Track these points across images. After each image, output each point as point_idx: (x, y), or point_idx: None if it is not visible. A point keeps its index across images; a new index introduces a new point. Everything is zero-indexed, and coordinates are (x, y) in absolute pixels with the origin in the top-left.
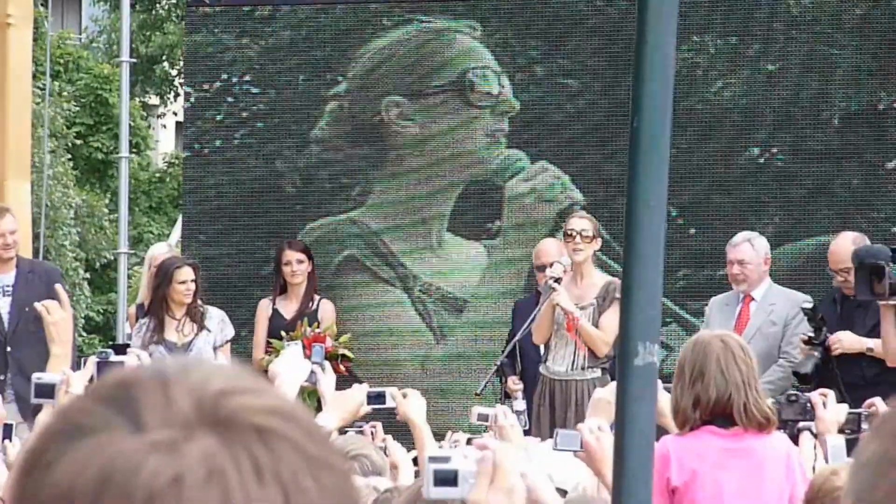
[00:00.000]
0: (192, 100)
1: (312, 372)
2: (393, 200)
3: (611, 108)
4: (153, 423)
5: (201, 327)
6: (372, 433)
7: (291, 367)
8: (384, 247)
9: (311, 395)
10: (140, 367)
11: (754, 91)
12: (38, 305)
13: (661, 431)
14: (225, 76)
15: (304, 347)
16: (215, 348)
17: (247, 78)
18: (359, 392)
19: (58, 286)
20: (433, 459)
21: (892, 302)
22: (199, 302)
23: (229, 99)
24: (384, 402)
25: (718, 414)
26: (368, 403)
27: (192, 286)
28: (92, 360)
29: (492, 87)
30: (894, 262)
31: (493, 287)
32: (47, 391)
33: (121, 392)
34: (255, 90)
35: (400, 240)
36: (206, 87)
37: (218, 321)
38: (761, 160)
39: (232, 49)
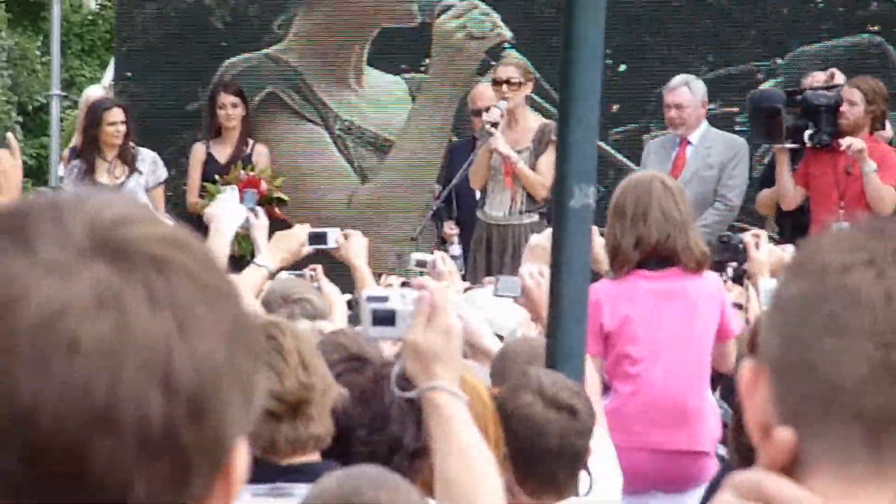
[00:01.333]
0: None
1: (247, 217)
2: (313, 35)
3: None
4: (45, 249)
5: (133, 169)
6: (311, 276)
7: (227, 211)
8: (304, 84)
9: (245, 240)
10: (35, 196)
11: None
12: None
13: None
14: None
15: (239, 192)
16: (147, 190)
17: None
18: (300, 232)
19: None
20: (371, 299)
21: (786, 145)
22: (132, 144)
23: None
24: (326, 243)
25: (657, 255)
26: (310, 244)
27: (123, 128)
28: None
29: None
30: (790, 105)
31: (420, 126)
32: None
33: (14, 220)
34: None
35: (320, 76)
36: None
37: (150, 163)
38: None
39: None
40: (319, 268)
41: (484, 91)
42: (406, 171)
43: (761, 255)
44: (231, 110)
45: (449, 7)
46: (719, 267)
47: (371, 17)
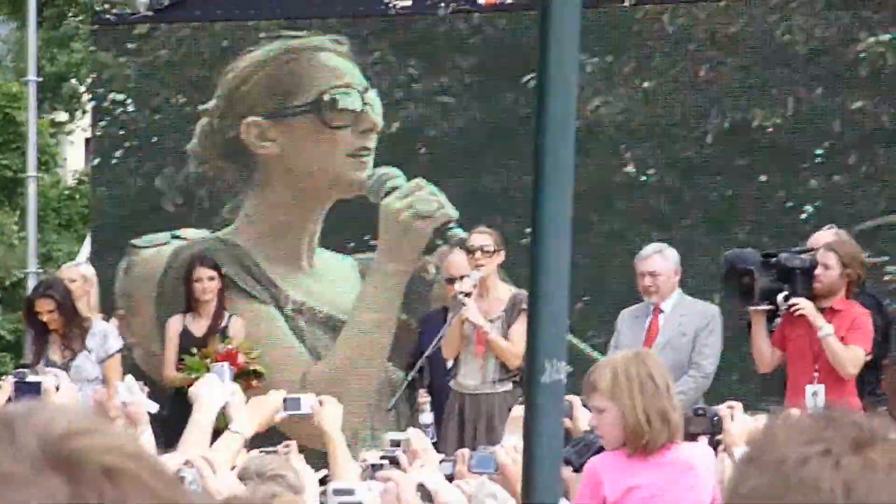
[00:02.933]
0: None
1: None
2: (261, 218)
3: (485, 125)
4: (1, 461)
5: (81, 347)
6: (285, 452)
7: (212, 391)
8: (255, 266)
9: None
10: None
11: (630, 108)
12: None
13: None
14: (113, 96)
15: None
16: (101, 362)
17: (123, 97)
18: (275, 397)
19: None
20: (338, 492)
21: (761, 308)
22: (82, 318)
23: (114, 116)
24: (300, 409)
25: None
26: (285, 409)
27: (55, 314)
28: (9, 380)
29: (354, 105)
30: (764, 267)
31: (370, 304)
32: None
33: None
34: (131, 109)
35: (270, 259)
36: (105, 103)
37: (100, 337)
38: (639, 177)
39: (111, 67)
40: (294, 444)
41: (458, 259)
42: (357, 348)
43: (736, 426)
44: (207, 283)
45: (395, 187)
46: (691, 439)
47: (324, 190)
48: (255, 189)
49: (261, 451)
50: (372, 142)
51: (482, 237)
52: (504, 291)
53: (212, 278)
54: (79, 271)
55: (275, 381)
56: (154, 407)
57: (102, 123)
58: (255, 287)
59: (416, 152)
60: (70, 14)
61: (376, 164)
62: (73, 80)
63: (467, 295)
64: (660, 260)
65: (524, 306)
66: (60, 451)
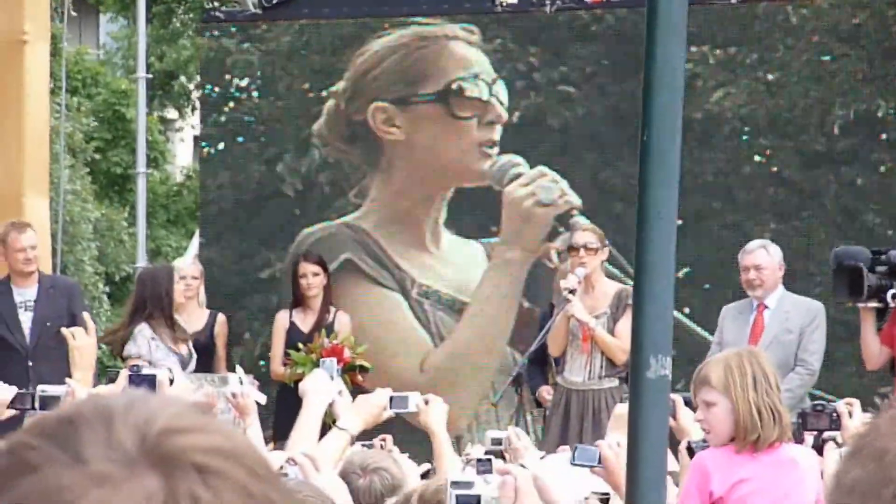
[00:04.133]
0: (202, 109)
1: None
2: (386, 204)
3: (608, 115)
4: (95, 458)
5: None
6: (381, 446)
7: (320, 387)
8: (380, 250)
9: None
10: (85, 402)
11: (754, 100)
12: (64, 331)
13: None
14: (235, 82)
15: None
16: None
17: (246, 83)
18: (382, 396)
19: (85, 314)
20: (456, 484)
21: (870, 305)
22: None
23: (233, 104)
24: (407, 407)
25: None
26: (391, 407)
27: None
28: (124, 374)
29: (482, 94)
30: (875, 264)
31: (493, 289)
32: (53, 404)
33: (64, 427)
34: (256, 96)
35: (396, 243)
36: (215, 95)
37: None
38: (762, 168)
39: (234, 53)
40: (389, 438)
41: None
42: (479, 334)
43: (854, 423)
44: (312, 279)
45: (518, 175)
46: (811, 434)
47: (447, 177)
48: (380, 174)
49: (361, 446)
50: (497, 134)
51: (585, 235)
52: (610, 287)
53: (316, 274)
54: (198, 268)
55: (393, 366)
56: (263, 398)
57: (216, 114)
58: (380, 272)
59: (539, 140)
60: (180, 11)
61: (500, 152)
62: (182, 78)
63: (572, 292)
64: (764, 254)
65: (630, 302)
66: (157, 448)
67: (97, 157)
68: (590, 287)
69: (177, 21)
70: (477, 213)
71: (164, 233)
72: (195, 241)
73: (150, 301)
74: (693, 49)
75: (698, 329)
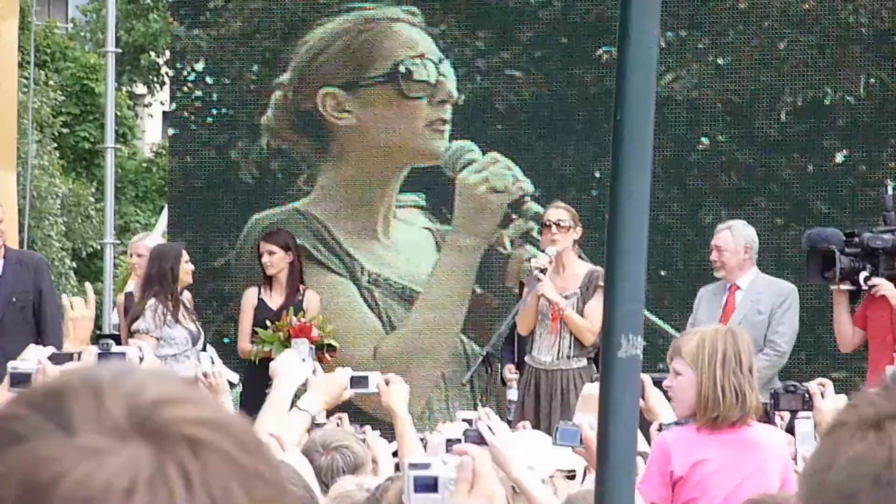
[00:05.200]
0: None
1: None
2: (337, 190)
3: (556, 100)
4: (84, 429)
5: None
6: (337, 424)
7: (292, 368)
8: (331, 237)
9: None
10: (73, 373)
11: (704, 84)
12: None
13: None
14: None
15: (309, 345)
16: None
17: (200, 67)
18: (342, 375)
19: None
20: (413, 466)
21: (843, 287)
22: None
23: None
24: (367, 387)
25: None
26: (351, 387)
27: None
28: (92, 351)
29: (429, 77)
30: (847, 246)
31: (445, 276)
32: (23, 380)
33: (53, 399)
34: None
35: (346, 230)
36: (184, 76)
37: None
38: (710, 151)
39: (184, 39)
40: (345, 416)
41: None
42: (432, 320)
43: (827, 404)
44: (268, 258)
45: (471, 161)
46: (783, 414)
47: (400, 158)
48: (331, 161)
49: (315, 424)
50: (447, 113)
51: (558, 212)
52: (580, 268)
53: (272, 252)
54: (145, 245)
55: (347, 354)
56: (235, 377)
57: (179, 95)
58: (330, 259)
59: (488, 126)
60: None
61: (451, 137)
62: (152, 54)
63: (543, 271)
64: (727, 236)
65: (600, 283)
66: (147, 420)
67: (65, 131)
68: (560, 267)
69: None
70: (427, 199)
71: (132, 209)
72: (164, 217)
73: (156, 278)
74: None
75: (651, 316)
